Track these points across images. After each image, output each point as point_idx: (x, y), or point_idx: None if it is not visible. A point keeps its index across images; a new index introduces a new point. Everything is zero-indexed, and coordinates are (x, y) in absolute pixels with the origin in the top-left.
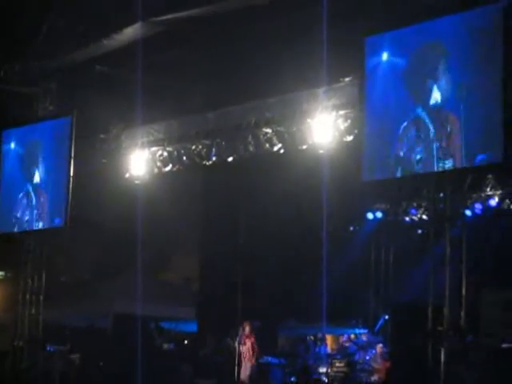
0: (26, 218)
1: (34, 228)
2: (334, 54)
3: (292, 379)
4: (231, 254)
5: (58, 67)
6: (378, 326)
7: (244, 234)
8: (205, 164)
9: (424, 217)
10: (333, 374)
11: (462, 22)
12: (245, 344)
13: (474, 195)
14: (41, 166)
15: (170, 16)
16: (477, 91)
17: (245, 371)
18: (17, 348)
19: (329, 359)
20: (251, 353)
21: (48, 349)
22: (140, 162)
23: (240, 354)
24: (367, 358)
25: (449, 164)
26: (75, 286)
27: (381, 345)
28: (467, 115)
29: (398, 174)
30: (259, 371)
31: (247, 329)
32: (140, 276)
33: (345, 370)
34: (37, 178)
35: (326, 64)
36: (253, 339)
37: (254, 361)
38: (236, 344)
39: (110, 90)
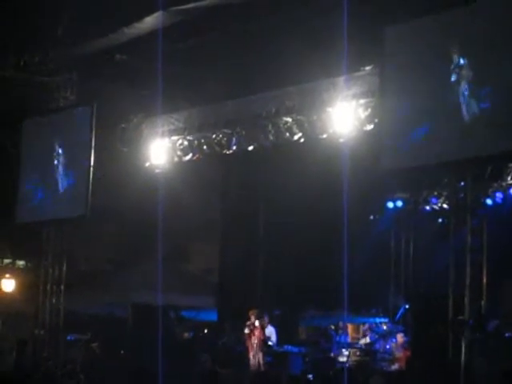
0: (47, 207)
1: (55, 217)
2: (354, 43)
3: (311, 369)
4: (251, 243)
5: (78, 56)
6: (398, 315)
7: (264, 223)
8: (225, 153)
9: (445, 206)
10: (353, 362)
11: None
12: (253, 334)
13: (495, 184)
14: (62, 156)
15: (190, 5)
16: (501, 78)
17: (257, 360)
18: (37, 337)
19: (349, 348)
20: (261, 341)
21: (68, 338)
22: (160, 151)
23: (250, 344)
24: (388, 347)
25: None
26: (95, 276)
27: (401, 334)
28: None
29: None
30: (278, 360)
31: (253, 317)
32: (160, 265)
33: (365, 358)
34: (57, 168)
35: (346, 53)
36: (260, 327)
37: (264, 349)
38: (245, 334)
39: (131, 79)
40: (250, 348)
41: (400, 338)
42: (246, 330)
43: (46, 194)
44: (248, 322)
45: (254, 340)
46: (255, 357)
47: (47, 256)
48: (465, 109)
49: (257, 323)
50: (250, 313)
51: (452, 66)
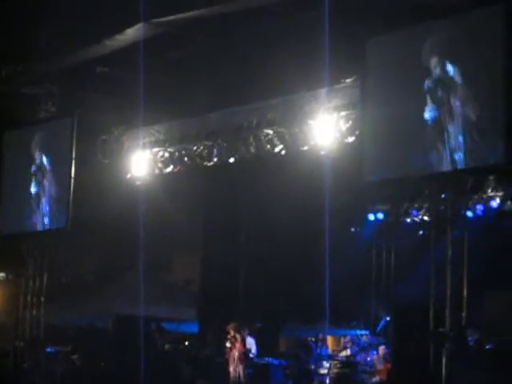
0: (28, 219)
1: (36, 229)
2: (335, 55)
3: (292, 381)
4: (232, 255)
5: (60, 68)
6: (379, 327)
7: (245, 234)
8: (206, 165)
9: (425, 218)
10: (334, 375)
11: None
12: (234, 346)
13: (476, 196)
14: (42, 168)
15: (172, 17)
16: (478, 91)
17: (237, 372)
18: (18, 349)
19: (330, 360)
20: (242, 354)
21: (49, 350)
22: (141, 162)
23: (231, 357)
24: (368, 359)
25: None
26: (76, 287)
27: (382, 346)
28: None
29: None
30: (258, 372)
31: (232, 331)
32: (141, 277)
33: (346, 371)
34: (38, 180)
35: (327, 65)
36: (240, 340)
37: (245, 362)
38: (227, 347)
39: (112, 91)
40: (230, 361)
41: (381, 350)
42: (228, 344)
43: (27, 205)
44: (229, 336)
45: (235, 352)
46: (236, 369)
47: (28, 268)
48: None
49: (237, 336)
50: (229, 327)
51: (432, 78)
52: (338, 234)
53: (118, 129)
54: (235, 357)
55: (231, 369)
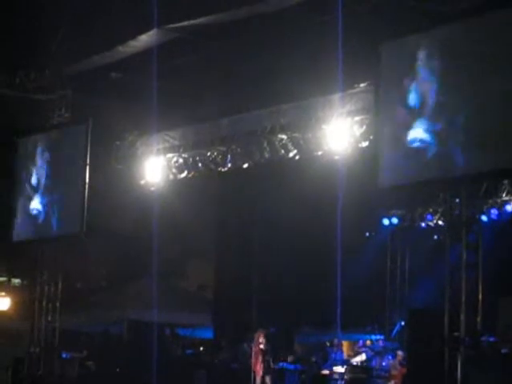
0: (42, 225)
1: (50, 236)
2: (348, 60)
3: None
4: (246, 261)
5: (73, 74)
6: (394, 332)
7: (259, 240)
8: (220, 170)
9: (440, 222)
10: (349, 380)
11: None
12: (261, 353)
13: (490, 200)
14: (56, 174)
15: (185, 23)
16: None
17: (263, 380)
18: (33, 355)
19: (345, 365)
20: (268, 361)
21: (64, 356)
22: (155, 168)
23: (256, 364)
24: (384, 363)
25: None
26: (91, 293)
27: (398, 351)
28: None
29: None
30: (273, 377)
31: (261, 338)
32: (155, 283)
33: (361, 376)
34: (53, 186)
35: (341, 70)
36: (267, 348)
37: (270, 369)
38: (252, 354)
39: (126, 96)
40: (257, 367)
41: (399, 355)
42: (255, 348)
43: (41, 212)
44: (261, 346)
45: (260, 359)
46: (263, 377)
47: (43, 274)
48: None
49: (262, 343)
50: (258, 333)
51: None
52: (353, 238)
53: (131, 134)
54: (263, 365)
55: (259, 376)
